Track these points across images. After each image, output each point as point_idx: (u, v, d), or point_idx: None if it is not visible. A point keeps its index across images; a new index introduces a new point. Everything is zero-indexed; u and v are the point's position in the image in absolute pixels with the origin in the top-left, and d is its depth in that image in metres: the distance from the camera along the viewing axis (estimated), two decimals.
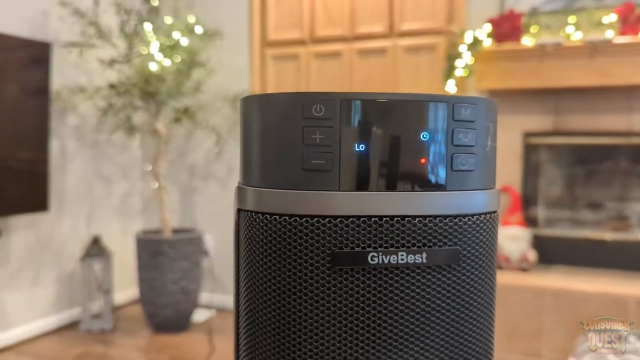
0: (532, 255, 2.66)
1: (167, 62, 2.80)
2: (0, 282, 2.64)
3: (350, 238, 0.29)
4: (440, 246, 0.29)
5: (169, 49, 2.81)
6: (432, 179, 0.30)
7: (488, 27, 2.59)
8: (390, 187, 0.30)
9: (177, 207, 3.38)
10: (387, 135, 0.30)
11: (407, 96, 0.28)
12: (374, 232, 0.29)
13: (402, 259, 0.29)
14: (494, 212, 0.32)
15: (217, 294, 3.23)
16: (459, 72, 2.63)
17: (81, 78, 2.93)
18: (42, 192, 2.64)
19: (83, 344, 2.70)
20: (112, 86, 2.80)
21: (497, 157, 0.34)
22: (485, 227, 0.31)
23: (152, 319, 2.90)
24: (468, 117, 0.31)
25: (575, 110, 2.65)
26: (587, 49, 2.45)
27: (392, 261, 0.29)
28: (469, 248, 0.30)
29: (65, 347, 2.68)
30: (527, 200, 2.84)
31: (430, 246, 0.29)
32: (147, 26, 2.81)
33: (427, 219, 0.29)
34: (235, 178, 3.75)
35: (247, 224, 0.32)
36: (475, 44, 2.57)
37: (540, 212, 2.90)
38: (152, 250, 2.82)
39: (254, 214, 0.31)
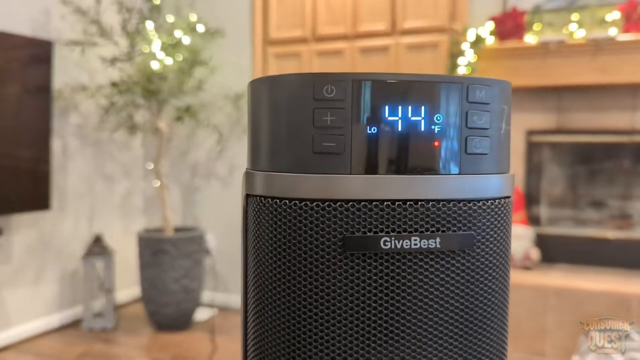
0: (535, 253, 2.65)
1: (169, 61, 2.79)
2: (2, 280, 2.63)
3: (362, 222, 0.28)
4: (454, 231, 0.29)
5: (171, 47, 2.81)
6: (446, 162, 0.29)
7: (491, 25, 2.59)
8: (403, 170, 0.29)
9: (179, 205, 3.38)
10: (399, 117, 0.29)
11: (421, 77, 0.27)
12: (386, 216, 0.28)
13: (415, 244, 0.28)
14: (508, 197, 0.32)
15: (219, 293, 3.22)
16: (461, 70, 2.62)
17: (83, 76, 2.93)
18: (44, 190, 2.63)
19: (85, 343, 2.69)
20: (114, 85, 2.79)
21: None
22: (499, 212, 0.30)
23: (154, 317, 2.89)
24: (483, 99, 0.30)
25: (579, 108, 2.64)
26: (591, 47, 2.44)
27: (404, 246, 0.28)
28: (483, 233, 0.29)
29: (67, 345, 2.67)
30: (530, 198, 2.83)
31: (443, 231, 0.28)
32: (149, 25, 2.80)
33: (441, 203, 0.29)
34: (238, 177, 3.76)
35: (256, 209, 0.31)
36: (477, 42, 2.56)
37: (543, 211, 2.89)
38: (154, 248, 2.82)
39: (263, 199, 0.31)
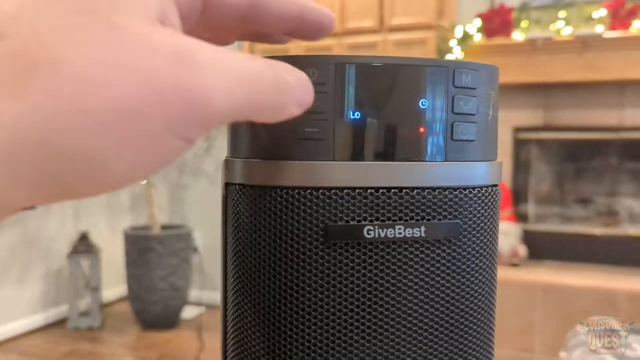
0: (523, 250, 2.66)
1: None
2: None
3: (345, 211, 0.27)
4: (440, 219, 0.28)
5: None
6: (431, 148, 0.28)
7: (478, 22, 2.59)
8: (388, 157, 0.28)
9: (166, 203, 3.35)
10: (384, 102, 0.28)
11: (406, 60, 0.26)
12: (370, 204, 0.27)
13: (400, 233, 0.27)
14: (496, 185, 0.31)
15: (206, 291, 3.20)
16: None
17: None
18: None
19: (71, 342, 2.67)
20: None
21: None
22: (486, 201, 0.30)
23: (140, 316, 2.87)
24: (469, 84, 0.29)
25: (566, 106, 2.65)
26: (577, 44, 2.45)
27: (389, 235, 0.27)
28: (469, 222, 0.29)
29: (53, 345, 2.65)
30: (518, 195, 2.84)
31: (429, 219, 0.28)
32: None
33: (426, 190, 0.28)
34: None
35: (236, 198, 0.30)
36: (465, 38, 2.56)
37: (531, 208, 2.90)
38: (140, 246, 2.80)
39: (242, 187, 0.29)
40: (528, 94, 2.69)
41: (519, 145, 2.81)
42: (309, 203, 0.27)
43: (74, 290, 2.84)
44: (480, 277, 0.30)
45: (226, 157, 0.33)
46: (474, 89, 0.29)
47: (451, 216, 0.29)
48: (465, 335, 0.30)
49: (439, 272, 0.29)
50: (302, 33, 0.29)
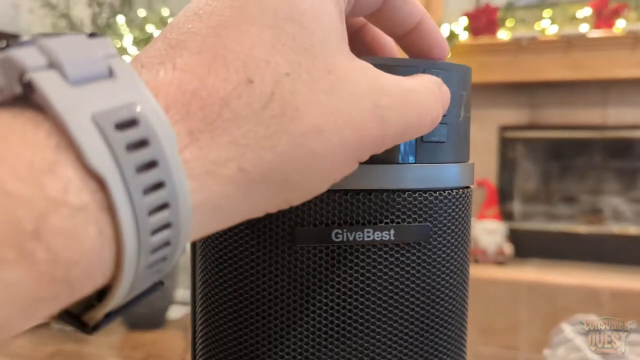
0: (508, 248, 2.67)
1: None
2: None
3: (313, 214, 0.26)
4: (410, 222, 0.27)
5: (143, 42, 2.76)
6: (401, 150, 0.27)
7: (464, 21, 2.59)
8: None
9: None
10: None
11: (377, 60, 0.26)
12: (338, 207, 0.27)
13: (369, 236, 0.27)
14: (468, 187, 0.30)
15: None
16: None
17: None
18: None
19: (56, 343, 2.65)
20: None
21: (473, 152, 0.31)
22: (457, 203, 0.29)
23: (126, 316, 2.85)
24: None
25: (551, 104, 2.66)
26: (562, 43, 2.46)
27: (357, 238, 0.27)
28: (440, 225, 0.28)
29: (38, 345, 2.62)
30: (503, 194, 2.85)
31: (398, 222, 0.27)
32: (120, 19, 2.76)
33: (396, 193, 0.27)
34: None
35: None
36: (451, 37, 2.56)
37: (516, 206, 2.91)
38: None
39: None
40: (514, 93, 2.70)
41: (505, 143, 2.82)
42: None
43: None
44: (452, 280, 0.30)
45: None
46: None
47: (421, 219, 0.28)
48: (437, 339, 0.30)
49: (409, 275, 0.28)
50: (411, 47, 0.30)
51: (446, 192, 0.29)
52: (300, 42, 0.21)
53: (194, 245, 0.31)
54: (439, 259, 0.29)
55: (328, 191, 0.27)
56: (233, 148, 0.19)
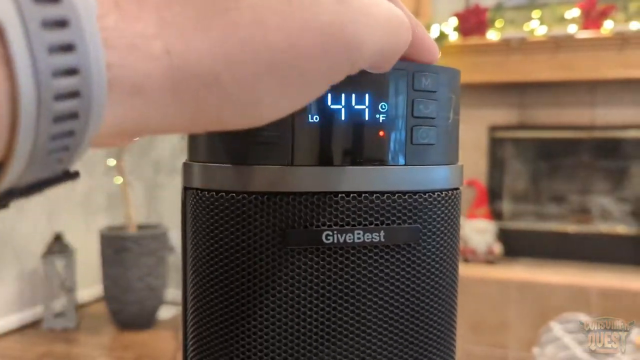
0: (498, 248, 2.68)
1: None
2: None
3: (304, 216, 0.27)
4: (399, 224, 0.28)
5: None
6: (391, 152, 0.28)
7: (454, 21, 2.60)
8: (347, 161, 0.28)
9: (143, 202, 3.32)
10: (343, 105, 0.28)
11: None
12: (328, 209, 0.27)
13: (359, 238, 0.27)
14: (457, 189, 0.31)
15: None
16: None
17: None
18: None
19: (46, 343, 2.63)
20: None
21: (463, 152, 0.32)
22: (447, 205, 0.29)
23: (116, 316, 2.84)
24: (429, 87, 0.29)
25: (540, 104, 2.68)
26: (551, 44, 2.48)
27: (347, 240, 0.27)
28: (429, 226, 0.28)
29: (28, 346, 2.60)
30: (493, 193, 2.87)
31: (388, 224, 0.27)
32: None
33: (385, 195, 0.27)
34: None
35: (194, 203, 0.29)
36: (441, 38, 2.57)
37: (506, 206, 2.93)
38: (116, 246, 2.76)
39: (200, 191, 0.29)
40: (503, 93, 2.72)
41: (495, 143, 2.83)
42: (267, 208, 0.27)
43: (48, 291, 2.80)
44: (441, 281, 0.30)
45: (185, 160, 0.32)
46: (434, 92, 0.29)
47: (411, 221, 0.28)
48: (427, 339, 0.30)
49: (398, 277, 0.29)
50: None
51: (435, 193, 0.29)
52: None
53: (185, 245, 0.31)
54: (429, 260, 0.29)
55: (318, 193, 0.27)
56: (160, 25, 0.18)
